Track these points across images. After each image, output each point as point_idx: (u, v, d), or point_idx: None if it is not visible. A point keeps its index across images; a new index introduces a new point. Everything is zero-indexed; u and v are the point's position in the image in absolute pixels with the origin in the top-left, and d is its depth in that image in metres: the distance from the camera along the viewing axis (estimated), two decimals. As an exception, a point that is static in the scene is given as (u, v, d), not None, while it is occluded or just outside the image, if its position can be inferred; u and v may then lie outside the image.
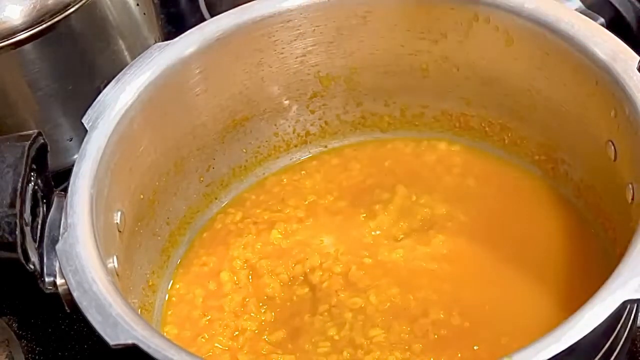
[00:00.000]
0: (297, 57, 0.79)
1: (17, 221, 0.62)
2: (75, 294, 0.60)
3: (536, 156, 0.78)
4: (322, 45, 0.79)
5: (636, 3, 0.89)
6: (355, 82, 0.82)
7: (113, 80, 0.72)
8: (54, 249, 0.62)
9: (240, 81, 0.79)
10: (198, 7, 1.07)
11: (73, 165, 0.67)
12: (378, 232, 0.77)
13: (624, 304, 0.54)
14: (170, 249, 0.78)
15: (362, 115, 0.84)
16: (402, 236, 0.76)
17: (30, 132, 0.66)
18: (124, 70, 0.72)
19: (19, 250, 0.62)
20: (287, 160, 0.85)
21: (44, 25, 0.83)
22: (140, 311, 0.72)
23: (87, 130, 0.69)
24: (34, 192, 0.65)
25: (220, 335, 0.72)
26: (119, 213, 0.70)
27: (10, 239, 0.62)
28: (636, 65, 0.65)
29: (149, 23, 0.96)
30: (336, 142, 0.85)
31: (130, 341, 0.57)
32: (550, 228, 0.75)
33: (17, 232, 0.62)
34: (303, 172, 0.84)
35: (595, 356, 0.59)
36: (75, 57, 0.87)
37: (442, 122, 0.83)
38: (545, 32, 0.70)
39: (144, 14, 0.95)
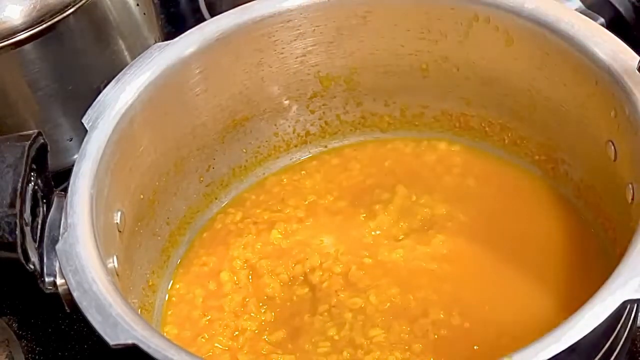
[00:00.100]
0: (297, 57, 0.79)
1: (17, 221, 0.62)
2: (75, 294, 0.60)
3: (536, 156, 0.78)
4: (322, 45, 0.79)
5: (636, 3, 0.89)
6: (355, 82, 0.82)
7: (113, 80, 0.72)
8: (54, 249, 0.62)
9: (240, 81, 0.79)
10: (198, 7, 1.07)
11: (73, 165, 0.67)
12: (378, 232, 0.77)
13: (624, 304, 0.54)
14: (170, 249, 0.78)
15: (362, 115, 0.84)
16: (402, 236, 0.76)
17: (30, 132, 0.66)
18: (124, 70, 0.72)
19: (19, 250, 0.62)
20: (287, 160, 0.85)
21: (44, 25, 0.83)
22: (140, 311, 0.72)
23: (87, 130, 0.69)
24: (34, 192, 0.65)
25: (220, 335, 0.72)
26: (119, 213, 0.70)
27: (10, 239, 0.62)
28: (636, 65, 0.65)
29: (149, 23, 0.96)
30: (336, 142, 0.85)
31: (130, 341, 0.57)
32: (550, 228, 0.75)
33: (17, 232, 0.62)
34: (303, 172, 0.84)
35: (595, 356, 0.59)
36: (75, 57, 0.87)
37: (442, 122, 0.83)
38: (545, 32, 0.70)
39: (144, 14, 0.95)
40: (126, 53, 0.92)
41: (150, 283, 0.75)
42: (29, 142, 0.65)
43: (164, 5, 1.10)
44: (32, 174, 0.65)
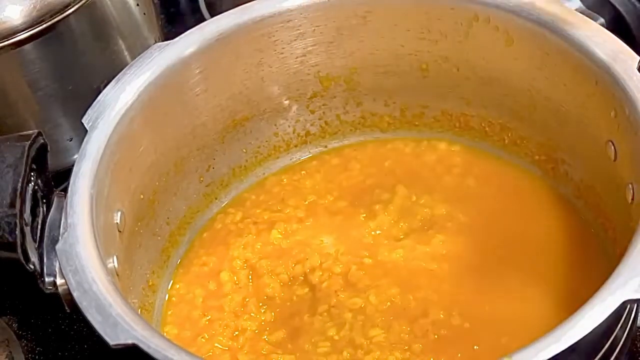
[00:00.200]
0: (297, 57, 0.79)
1: (17, 221, 0.62)
2: (75, 294, 0.60)
3: (536, 156, 0.78)
4: (322, 45, 0.79)
5: (636, 3, 0.89)
6: (355, 82, 0.82)
7: (113, 80, 0.72)
8: (54, 249, 0.62)
9: (240, 81, 0.79)
10: (198, 7, 1.08)
11: (73, 165, 0.67)
12: (378, 232, 0.77)
13: (624, 304, 0.54)
14: (170, 249, 0.78)
15: (362, 115, 0.84)
16: (402, 236, 0.76)
17: (30, 132, 0.66)
18: (124, 70, 0.72)
19: (19, 250, 0.62)
20: (287, 160, 0.85)
21: (44, 25, 0.83)
22: (140, 311, 0.72)
23: (87, 130, 0.69)
24: (34, 192, 0.65)
25: (220, 335, 0.72)
26: (119, 213, 0.70)
27: (10, 239, 0.62)
28: (636, 65, 0.65)
29: (149, 23, 0.96)
30: (336, 142, 0.85)
31: (130, 341, 0.57)
32: (550, 228, 0.75)
33: (17, 232, 0.62)
34: (303, 172, 0.84)
35: (595, 356, 0.59)
36: (75, 57, 0.87)
37: (442, 122, 0.83)
38: (545, 32, 0.70)
39: (144, 14, 0.95)
40: (126, 53, 0.92)
41: (150, 283, 0.75)
42: (29, 142, 0.65)
43: (164, 5, 1.10)
44: (32, 174, 0.65)
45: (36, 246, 0.64)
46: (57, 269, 0.62)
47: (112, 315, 0.58)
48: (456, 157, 0.81)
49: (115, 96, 0.71)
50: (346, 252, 0.75)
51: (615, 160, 0.68)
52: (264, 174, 0.84)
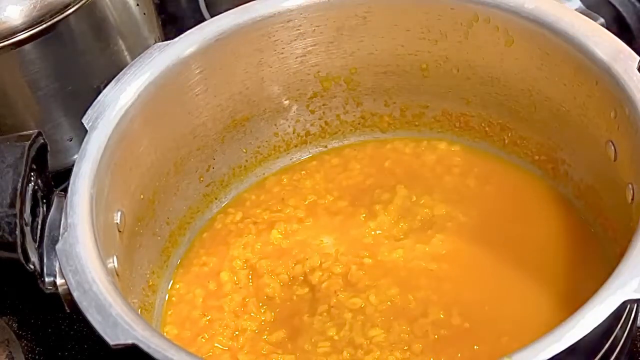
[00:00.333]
0: (297, 57, 0.79)
1: (17, 221, 0.62)
2: (75, 294, 0.60)
3: (536, 156, 0.78)
4: (322, 45, 0.79)
5: (636, 3, 0.89)
6: (355, 82, 0.82)
7: (113, 80, 0.72)
8: (54, 249, 0.62)
9: (240, 81, 0.79)
10: (198, 7, 1.08)
11: (73, 165, 0.67)
12: (378, 232, 0.77)
13: (624, 304, 0.54)
14: (170, 249, 0.78)
15: (362, 115, 0.84)
16: (402, 236, 0.76)
17: (30, 132, 0.66)
18: (124, 70, 0.72)
19: (19, 250, 0.62)
20: (287, 160, 0.85)
21: (44, 25, 0.83)
22: (140, 311, 0.72)
23: (87, 130, 0.69)
24: (34, 192, 0.65)
25: (220, 335, 0.72)
26: (119, 213, 0.70)
27: (10, 239, 0.62)
28: (636, 65, 0.65)
29: (149, 23, 0.96)
30: (336, 142, 0.85)
31: (130, 341, 0.57)
32: (550, 228, 0.75)
33: (17, 232, 0.62)
34: (303, 172, 0.84)
35: (595, 356, 0.59)
36: (75, 57, 0.87)
37: (442, 122, 0.83)
38: (545, 32, 0.70)
39: (144, 14, 0.95)
40: (126, 53, 0.92)
41: (150, 283, 0.75)
42: (29, 142, 0.65)
43: (164, 5, 1.10)
44: (32, 174, 0.65)
45: (36, 246, 0.64)
46: (57, 269, 0.62)
47: (112, 315, 0.58)
48: (456, 157, 0.81)
49: (115, 96, 0.71)
50: (346, 252, 0.75)
51: (615, 160, 0.68)
52: (264, 174, 0.84)
